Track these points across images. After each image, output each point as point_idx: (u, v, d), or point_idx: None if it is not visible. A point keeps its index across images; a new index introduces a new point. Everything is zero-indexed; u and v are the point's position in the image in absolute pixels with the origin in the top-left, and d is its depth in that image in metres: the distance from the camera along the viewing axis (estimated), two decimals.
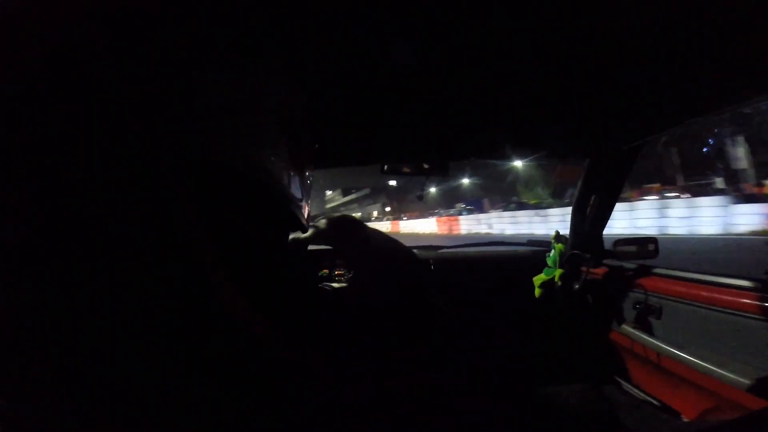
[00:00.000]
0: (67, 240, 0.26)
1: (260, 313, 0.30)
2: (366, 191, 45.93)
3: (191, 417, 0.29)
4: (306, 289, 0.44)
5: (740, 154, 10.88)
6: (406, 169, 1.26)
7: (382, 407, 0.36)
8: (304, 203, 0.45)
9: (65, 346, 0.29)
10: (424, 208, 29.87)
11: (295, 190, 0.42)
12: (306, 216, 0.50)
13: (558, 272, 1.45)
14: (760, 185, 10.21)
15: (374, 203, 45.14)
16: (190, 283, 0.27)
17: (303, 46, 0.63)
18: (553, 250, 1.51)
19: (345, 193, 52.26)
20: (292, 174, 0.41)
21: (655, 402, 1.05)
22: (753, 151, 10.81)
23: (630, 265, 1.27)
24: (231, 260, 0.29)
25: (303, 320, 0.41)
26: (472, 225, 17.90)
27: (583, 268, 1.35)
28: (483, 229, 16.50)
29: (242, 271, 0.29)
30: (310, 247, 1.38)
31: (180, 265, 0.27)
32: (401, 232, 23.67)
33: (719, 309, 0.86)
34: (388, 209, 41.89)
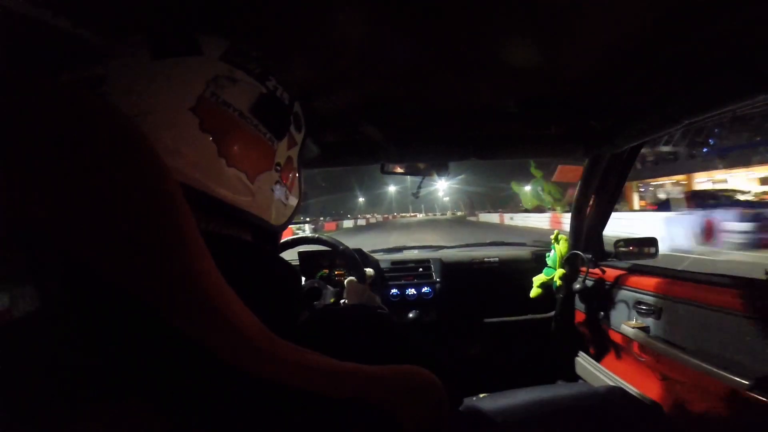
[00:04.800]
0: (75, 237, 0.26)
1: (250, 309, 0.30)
2: None
3: (185, 414, 0.29)
4: (284, 290, 0.42)
5: None
6: (405, 170, 1.26)
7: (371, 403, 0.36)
8: (253, 198, 0.41)
9: (67, 339, 0.29)
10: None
11: (228, 186, 0.39)
12: (284, 215, 0.47)
13: (558, 273, 1.45)
14: None
15: None
16: (185, 278, 0.27)
17: (303, 46, 0.63)
18: (553, 251, 1.51)
19: None
20: (223, 170, 0.38)
21: (653, 402, 1.05)
22: None
23: (630, 264, 1.27)
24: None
25: (287, 320, 0.41)
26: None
27: (583, 268, 1.34)
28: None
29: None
30: (309, 248, 1.38)
31: (175, 259, 0.27)
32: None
33: (719, 309, 0.86)
34: None
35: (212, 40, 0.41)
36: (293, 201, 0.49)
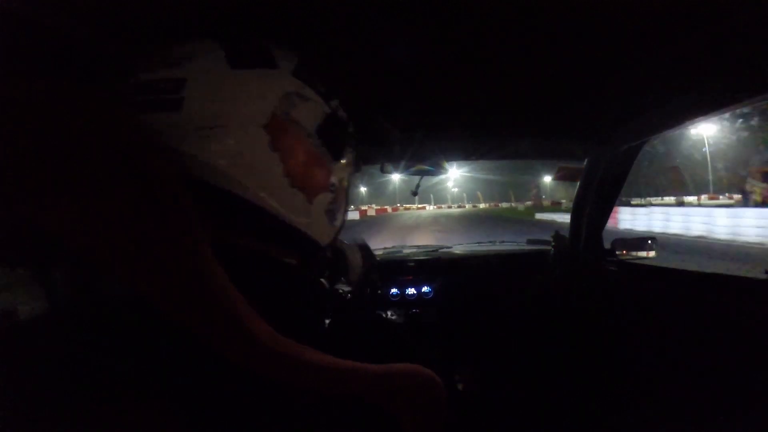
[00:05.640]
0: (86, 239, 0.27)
1: (259, 314, 0.30)
2: None
3: (188, 412, 0.29)
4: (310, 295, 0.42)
5: None
6: (405, 169, 1.26)
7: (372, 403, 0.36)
8: (310, 220, 0.41)
9: (79, 339, 0.29)
10: None
11: (289, 207, 0.38)
12: (330, 235, 0.46)
13: (558, 272, 1.45)
14: None
15: None
16: (194, 282, 0.27)
17: (301, 45, 0.63)
18: (553, 250, 1.51)
19: None
20: (286, 190, 0.38)
21: (653, 401, 1.05)
22: None
23: (629, 263, 1.27)
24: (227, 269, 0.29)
25: (303, 323, 0.41)
26: None
27: (583, 268, 1.35)
28: None
29: (236, 279, 0.29)
30: None
31: (183, 264, 0.27)
32: None
33: (718, 308, 0.86)
34: None
35: (285, 53, 0.40)
36: (339, 221, 0.47)
